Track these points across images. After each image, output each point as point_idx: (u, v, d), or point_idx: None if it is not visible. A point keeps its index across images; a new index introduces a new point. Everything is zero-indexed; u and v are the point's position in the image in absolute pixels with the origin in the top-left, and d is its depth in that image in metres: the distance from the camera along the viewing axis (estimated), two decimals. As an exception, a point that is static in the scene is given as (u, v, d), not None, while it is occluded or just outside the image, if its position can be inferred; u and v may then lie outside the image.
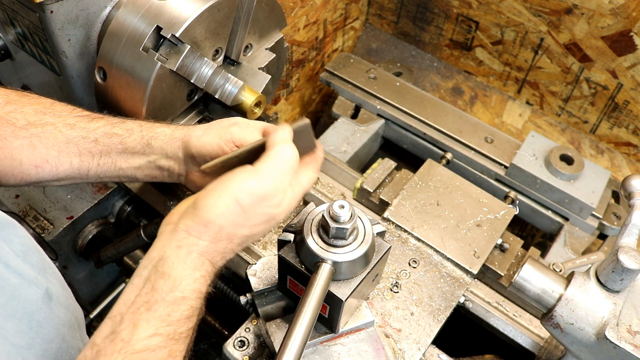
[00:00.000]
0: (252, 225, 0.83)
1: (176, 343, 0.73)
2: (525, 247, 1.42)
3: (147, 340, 0.70)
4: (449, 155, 1.73)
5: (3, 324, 0.67)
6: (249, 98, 1.24)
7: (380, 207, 1.45)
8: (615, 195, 1.67)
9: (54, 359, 0.73)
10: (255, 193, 0.80)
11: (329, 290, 0.90)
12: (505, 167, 1.67)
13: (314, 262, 0.90)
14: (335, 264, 0.89)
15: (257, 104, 1.26)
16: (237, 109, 1.26)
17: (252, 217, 0.82)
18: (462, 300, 1.26)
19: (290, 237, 0.96)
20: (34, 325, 0.71)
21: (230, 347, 1.08)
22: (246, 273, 1.08)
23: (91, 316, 1.70)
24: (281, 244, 0.97)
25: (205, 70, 1.19)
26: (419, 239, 1.32)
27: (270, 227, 0.86)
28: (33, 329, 0.71)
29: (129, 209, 1.57)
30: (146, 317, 0.72)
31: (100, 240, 1.53)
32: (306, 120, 0.88)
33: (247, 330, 1.10)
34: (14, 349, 0.67)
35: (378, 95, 1.85)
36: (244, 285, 1.12)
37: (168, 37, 1.11)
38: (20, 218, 1.40)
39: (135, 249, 1.45)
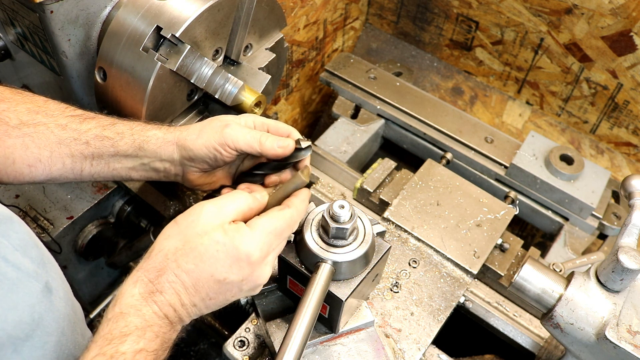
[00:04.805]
0: (200, 259, 0.80)
1: None
2: (525, 247, 1.42)
3: None
4: (449, 155, 1.73)
5: (3, 316, 0.67)
6: (249, 98, 1.24)
7: (380, 207, 1.45)
8: (615, 195, 1.67)
9: (53, 351, 0.74)
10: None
11: (329, 290, 0.90)
12: (505, 167, 1.67)
13: (314, 262, 0.90)
14: (335, 264, 0.89)
15: (257, 104, 1.26)
16: (237, 109, 1.26)
17: (199, 249, 0.80)
18: (462, 300, 1.26)
19: (291, 237, 0.96)
20: (35, 317, 0.71)
21: (230, 347, 1.08)
22: (246, 273, 1.08)
23: (91, 316, 1.70)
24: (281, 244, 0.97)
25: (205, 70, 1.19)
26: (419, 239, 1.32)
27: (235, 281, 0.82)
28: (34, 321, 0.71)
29: (129, 209, 1.57)
30: (95, 338, 0.75)
31: (101, 240, 1.53)
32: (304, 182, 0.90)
33: (247, 330, 1.10)
34: (9, 340, 0.67)
35: (378, 95, 1.85)
36: (244, 285, 1.12)
37: (168, 37, 1.11)
38: (24, 212, 1.40)
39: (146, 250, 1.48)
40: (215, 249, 0.79)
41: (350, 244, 0.91)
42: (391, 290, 1.22)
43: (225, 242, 0.80)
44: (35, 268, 0.74)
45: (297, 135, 1.00)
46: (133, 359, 0.74)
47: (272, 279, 1.07)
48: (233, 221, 0.83)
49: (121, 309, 0.77)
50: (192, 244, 0.79)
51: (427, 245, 1.31)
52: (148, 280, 0.79)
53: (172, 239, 0.81)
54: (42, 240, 0.82)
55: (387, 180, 1.50)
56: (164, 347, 0.80)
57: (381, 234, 1.00)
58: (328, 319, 0.99)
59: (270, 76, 1.34)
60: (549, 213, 1.64)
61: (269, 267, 0.86)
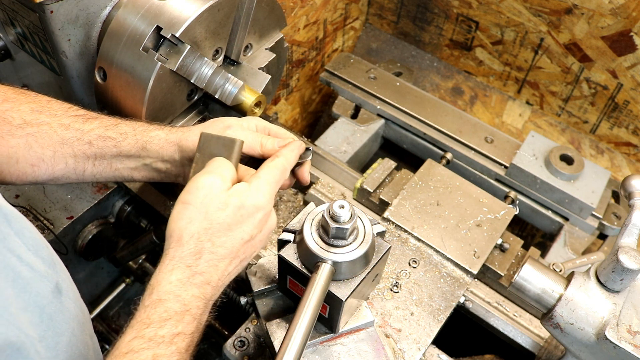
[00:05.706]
0: (224, 223, 0.84)
1: (158, 347, 0.76)
2: (525, 247, 1.42)
3: (130, 342, 0.75)
4: (449, 155, 1.73)
5: (18, 315, 0.67)
6: (249, 98, 1.24)
7: (380, 207, 1.45)
8: (615, 195, 1.67)
9: (65, 351, 0.74)
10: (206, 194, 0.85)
11: (329, 290, 0.90)
12: (505, 167, 1.67)
13: (314, 262, 0.90)
14: (335, 264, 0.89)
15: (257, 104, 1.26)
16: (237, 109, 1.26)
17: (219, 215, 0.84)
18: (462, 300, 1.26)
19: (290, 237, 0.96)
20: (45, 319, 0.71)
21: (230, 347, 1.08)
22: (246, 273, 1.08)
23: (91, 316, 1.70)
24: (281, 244, 0.97)
25: (205, 70, 1.19)
26: (419, 239, 1.32)
27: (252, 229, 0.88)
28: (44, 322, 0.71)
29: (129, 209, 1.57)
30: (131, 324, 0.78)
31: (101, 240, 1.53)
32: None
33: (247, 330, 1.10)
34: (28, 339, 0.67)
35: (378, 95, 1.85)
36: (244, 285, 1.12)
37: (168, 37, 1.11)
38: (27, 210, 1.40)
39: (148, 249, 1.49)
40: (239, 215, 0.85)
41: (350, 244, 0.91)
42: (391, 290, 1.22)
43: (243, 205, 0.85)
44: (46, 269, 0.75)
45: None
46: (171, 341, 0.77)
47: (272, 279, 1.07)
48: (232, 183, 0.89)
49: (159, 296, 0.79)
50: (219, 219, 0.84)
51: (427, 245, 1.31)
52: (185, 266, 0.82)
53: (196, 222, 0.84)
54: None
55: (387, 180, 1.50)
56: (199, 329, 0.83)
57: (381, 234, 1.00)
58: (328, 319, 0.99)
59: (270, 76, 1.34)
60: (549, 213, 1.64)
61: (274, 211, 0.94)
